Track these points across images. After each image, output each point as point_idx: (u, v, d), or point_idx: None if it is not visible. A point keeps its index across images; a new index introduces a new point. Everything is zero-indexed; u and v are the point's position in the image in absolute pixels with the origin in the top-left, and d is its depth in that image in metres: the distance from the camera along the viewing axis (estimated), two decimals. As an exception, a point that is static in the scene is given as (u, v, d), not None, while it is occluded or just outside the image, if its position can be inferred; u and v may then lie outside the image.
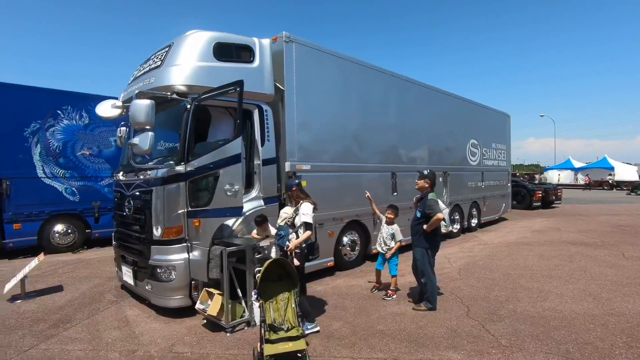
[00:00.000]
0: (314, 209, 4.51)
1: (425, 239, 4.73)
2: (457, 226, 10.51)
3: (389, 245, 5.51)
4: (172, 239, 4.54)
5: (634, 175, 37.27)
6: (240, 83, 4.16)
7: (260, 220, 4.76)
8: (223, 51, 5.08)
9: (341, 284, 6.02)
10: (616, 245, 8.66)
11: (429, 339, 3.88)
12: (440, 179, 9.52)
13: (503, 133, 13.38)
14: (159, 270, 4.57)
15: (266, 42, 5.59)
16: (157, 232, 4.56)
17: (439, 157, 9.50)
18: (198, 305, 4.36)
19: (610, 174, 37.28)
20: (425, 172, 4.88)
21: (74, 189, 9.08)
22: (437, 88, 9.60)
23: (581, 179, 38.95)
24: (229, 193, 4.28)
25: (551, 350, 3.57)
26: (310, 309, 4.38)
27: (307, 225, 4.31)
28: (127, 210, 5.21)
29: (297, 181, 4.76)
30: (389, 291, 5.32)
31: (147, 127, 4.06)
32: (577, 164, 42.69)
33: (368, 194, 5.61)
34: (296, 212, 4.50)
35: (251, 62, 5.38)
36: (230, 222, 4.98)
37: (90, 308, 5.06)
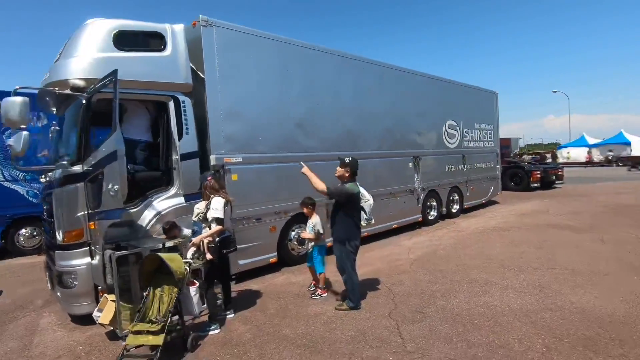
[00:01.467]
0: (226, 203, 4.23)
1: (342, 231, 4.33)
2: (434, 213, 10.02)
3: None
4: (73, 243, 4.29)
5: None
6: (114, 73, 3.82)
7: (168, 228, 4.47)
8: (126, 40, 4.73)
9: (280, 281, 5.70)
10: (601, 228, 8.02)
11: (330, 344, 3.53)
12: (411, 164, 9.03)
13: (489, 112, 12.64)
14: (64, 276, 4.35)
15: (179, 28, 5.20)
16: (59, 236, 4.33)
17: (407, 142, 8.96)
18: (95, 313, 4.13)
19: (610, 150, 35.69)
20: (347, 160, 4.45)
21: (36, 191, 9.01)
22: (404, 68, 9.02)
23: (598, 157, 37.29)
24: (111, 193, 3.99)
25: (457, 355, 3.17)
26: (216, 308, 4.10)
27: (217, 220, 4.05)
28: (44, 213, 5.01)
29: (210, 175, 4.42)
30: (319, 289, 4.97)
31: (22, 126, 3.78)
32: (591, 141, 40.78)
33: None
34: (208, 207, 4.22)
35: (162, 50, 5.01)
36: (145, 221, 4.72)
37: (11, 315, 4.91)
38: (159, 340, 3.21)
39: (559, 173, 17.54)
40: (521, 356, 3.10)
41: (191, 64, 5.36)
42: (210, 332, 3.95)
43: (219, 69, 5.42)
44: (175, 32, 5.12)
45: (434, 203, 10.03)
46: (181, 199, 5.06)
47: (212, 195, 4.22)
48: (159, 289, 3.60)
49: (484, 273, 5.36)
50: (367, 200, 4.55)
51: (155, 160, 5.15)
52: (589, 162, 36.23)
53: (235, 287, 5.47)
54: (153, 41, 4.98)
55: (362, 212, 4.50)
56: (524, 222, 9.28)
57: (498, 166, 13.07)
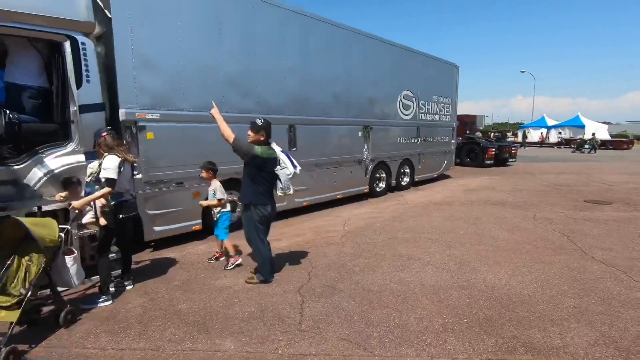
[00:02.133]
0: (122, 163, 3.70)
1: (246, 195, 3.98)
2: (383, 185, 9.90)
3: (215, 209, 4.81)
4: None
5: (605, 134, 37.28)
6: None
7: (68, 182, 3.93)
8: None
9: (200, 250, 5.34)
10: (536, 205, 8.21)
11: (223, 320, 3.26)
12: (360, 134, 8.71)
13: (449, 85, 12.41)
14: None
15: None
16: None
17: (358, 110, 8.58)
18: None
19: (560, 132, 37.73)
20: (259, 122, 3.99)
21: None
22: (358, 29, 8.46)
23: (555, 138, 38.98)
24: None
25: (350, 335, 2.99)
26: (108, 279, 3.69)
27: (107, 181, 3.54)
28: None
29: (105, 131, 3.84)
30: (230, 259, 4.67)
31: None
32: (550, 122, 42.37)
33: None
34: (100, 166, 3.70)
35: (54, -23, 4.19)
36: (32, 181, 4.11)
37: None
38: (12, 316, 2.78)
39: (513, 151, 18.00)
40: (415, 336, 2.96)
41: (101, 1, 4.61)
42: (100, 305, 3.57)
43: (132, 8, 4.69)
44: (71, -44, 4.28)
45: (383, 175, 9.89)
46: (80, 157, 4.43)
47: (106, 154, 3.70)
48: (26, 258, 3.13)
49: (412, 247, 5.26)
50: (284, 167, 4.15)
51: (50, 110, 4.45)
52: (543, 143, 37.91)
53: (150, 256, 5.08)
54: (43, -34, 4.14)
55: (278, 181, 4.11)
56: (468, 197, 9.37)
57: (453, 141, 13.07)
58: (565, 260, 4.72)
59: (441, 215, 7.36)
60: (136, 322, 3.25)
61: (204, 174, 4.66)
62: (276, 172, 4.09)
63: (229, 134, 3.84)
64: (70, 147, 4.40)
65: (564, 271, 4.34)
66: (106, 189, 3.54)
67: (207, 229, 5.96)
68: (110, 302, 3.62)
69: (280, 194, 4.20)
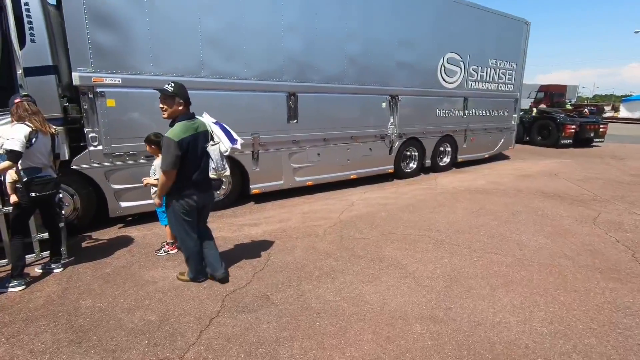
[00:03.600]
0: (34, 134, 3.25)
1: (172, 188, 3.19)
2: (413, 165, 8.59)
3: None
4: None
5: None
6: None
7: None
8: None
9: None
10: (606, 202, 6.35)
11: (107, 331, 2.69)
12: (384, 104, 7.45)
13: (513, 47, 10.18)
14: None
15: None
16: None
17: (382, 75, 7.28)
18: None
19: None
20: (169, 88, 2.98)
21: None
22: (385, -23, 6.99)
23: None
24: None
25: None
26: (19, 262, 3.35)
27: (9, 154, 3.12)
28: None
29: (20, 97, 3.38)
30: (166, 245, 4.10)
31: None
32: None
33: (145, 180, 3.94)
34: None
35: None
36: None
37: None
38: None
39: (601, 129, 14.81)
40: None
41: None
42: (10, 290, 3.26)
43: (80, -47, 4.09)
44: None
45: (415, 153, 8.56)
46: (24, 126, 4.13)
47: (15, 123, 3.26)
48: None
49: (403, 250, 4.20)
50: (217, 143, 3.28)
51: (-1, 73, 4.16)
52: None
53: (112, 233, 4.75)
54: None
55: (210, 161, 3.31)
56: (517, 185, 7.68)
57: (515, 115, 10.93)
58: (616, 293, 3.32)
59: (469, 207, 6.00)
60: (23, 318, 2.85)
61: (148, 149, 4.04)
62: (207, 149, 3.25)
63: (162, 176, 3.01)
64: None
65: (605, 312, 3.00)
66: (6, 163, 3.11)
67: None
68: (22, 287, 3.30)
69: (213, 176, 3.36)
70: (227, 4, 5.21)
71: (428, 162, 8.78)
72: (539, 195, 6.78)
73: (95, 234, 4.72)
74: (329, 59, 6.43)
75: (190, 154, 3.04)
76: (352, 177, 7.32)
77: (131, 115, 4.72)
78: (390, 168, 7.99)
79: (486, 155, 10.41)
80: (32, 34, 4.02)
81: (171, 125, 3.04)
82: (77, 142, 4.59)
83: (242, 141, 3.49)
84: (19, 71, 4.02)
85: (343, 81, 6.69)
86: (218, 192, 5.72)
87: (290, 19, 5.83)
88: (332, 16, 6.32)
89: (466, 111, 9.26)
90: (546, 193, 6.98)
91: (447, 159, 9.39)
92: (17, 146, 3.12)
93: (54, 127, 3.57)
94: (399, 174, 8.28)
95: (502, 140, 10.74)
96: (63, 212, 4.19)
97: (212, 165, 3.26)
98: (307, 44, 6.09)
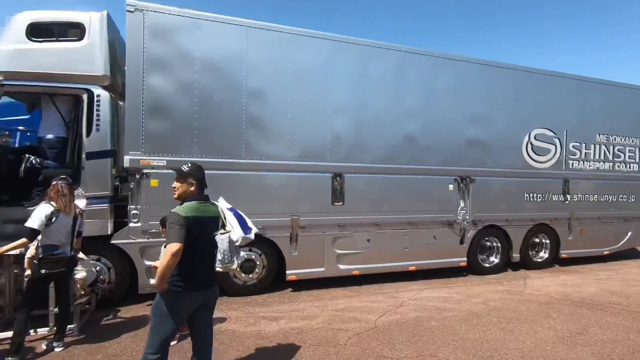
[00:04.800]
0: (55, 213, 3.51)
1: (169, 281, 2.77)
2: (495, 259, 7.08)
3: None
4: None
5: None
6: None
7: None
8: (41, 31, 4.56)
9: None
10: None
11: None
12: (451, 186, 6.53)
13: (635, 119, 8.31)
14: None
15: (99, 15, 4.76)
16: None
17: (448, 155, 6.49)
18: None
19: None
20: (185, 168, 2.77)
21: None
22: (446, 54, 6.57)
23: None
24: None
25: None
26: (19, 338, 3.39)
27: (26, 231, 3.38)
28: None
29: (57, 180, 3.73)
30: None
31: None
32: None
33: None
34: None
35: (79, 40, 4.66)
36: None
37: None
38: None
39: None
40: None
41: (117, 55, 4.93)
42: (7, 365, 3.29)
43: (146, 57, 4.79)
44: (94, 21, 4.71)
45: (497, 244, 7.09)
46: (82, 201, 4.59)
47: (43, 202, 3.58)
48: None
49: (436, 387, 3.09)
50: (228, 232, 2.92)
51: (72, 156, 4.85)
52: None
53: (136, 311, 4.73)
54: (73, 31, 4.69)
55: (217, 252, 2.89)
56: (650, 300, 5.55)
57: (648, 201, 8.51)
58: None
59: (563, 328, 4.41)
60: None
61: (162, 230, 3.99)
62: (215, 238, 2.92)
63: (167, 255, 2.44)
64: (76, 191, 4.62)
65: None
66: (22, 240, 3.34)
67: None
68: (15, 364, 3.30)
69: (219, 268, 2.92)
70: (272, 87, 5.40)
71: (516, 256, 7.15)
72: (684, 322, 4.69)
73: (124, 309, 4.76)
74: (381, 138, 6.03)
75: (195, 239, 2.58)
76: (410, 268, 6.29)
77: (171, 195, 4.92)
78: (462, 261, 6.69)
79: (606, 252, 8.07)
80: (98, 124, 4.67)
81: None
82: (122, 219, 4.92)
83: (257, 230, 3.16)
84: (83, 155, 4.63)
85: (398, 161, 6.14)
86: (250, 275, 5.41)
87: (339, 100, 5.76)
88: (385, 94, 6.06)
89: (568, 196, 7.54)
90: (699, 319, 4.80)
91: (544, 254, 7.54)
92: (35, 224, 3.37)
93: (80, 207, 3.85)
94: (475, 268, 6.86)
95: (630, 232, 8.30)
96: (101, 284, 4.38)
97: (218, 256, 2.87)
98: (355, 123, 5.87)
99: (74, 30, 4.68)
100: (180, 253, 2.43)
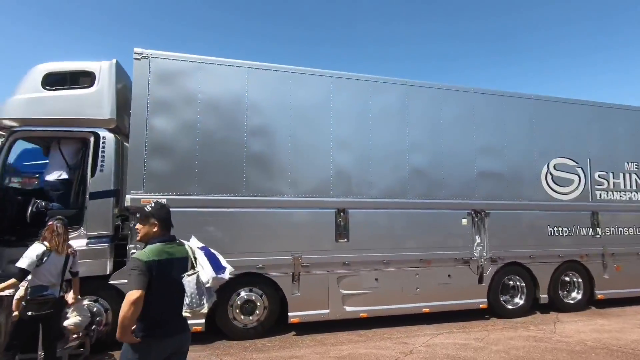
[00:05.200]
0: (46, 253, 3.52)
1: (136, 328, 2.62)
2: (520, 300, 6.47)
3: None
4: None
5: None
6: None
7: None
8: (55, 80, 4.89)
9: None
10: None
11: None
12: (464, 220, 6.18)
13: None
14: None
15: (108, 63, 5.05)
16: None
17: (459, 188, 6.20)
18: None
19: None
20: (147, 208, 2.63)
21: None
22: (451, 86, 6.48)
23: None
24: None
25: None
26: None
27: (16, 271, 3.40)
28: None
29: (53, 220, 3.79)
30: None
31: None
32: None
33: None
34: None
35: (89, 87, 4.94)
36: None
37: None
38: None
39: None
40: None
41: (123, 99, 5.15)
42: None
43: (151, 100, 5.00)
44: (104, 69, 5.00)
45: (521, 284, 6.51)
46: (83, 241, 4.65)
47: (36, 242, 3.62)
48: None
49: None
50: (195, 273, 2.78)
51: (76, 197, 4.98)
52: None
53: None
54: (84, 79, 4.99)
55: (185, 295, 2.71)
56: None
57: (692, 234, 7.69)
58: None
59: (596, 383, 3.84)
60: None
61: None
62: (182, 280, 2.77)
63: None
64: (77, 231, 4.70)
65: None
66: (12, 280, 3.35)
67: (212, 331, 5.06)
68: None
69: (187, 313, 2.78)
70: (273, 124, 5.44)
71: (543, 296, 6.52)
72: None
73: (117, 354, 4.61)
74: (387, 172, 5.87)
75: (158, 283, 2.43)
76: (424, 310, 5.84)
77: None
78: (482, 302, 6.15)
79: (648, 292, 7.24)
80: (102, 165, 4.82)
81: None
82: (122, 258, 4.91)
83: (232, 269, 2.96)
84: (87, 195, 4.74)
85: (406, 195, 5.91)
86: (251, 317, 5.17)
87: (341, 134, 5.71)
88: (389, 128, 5.97)
89: (599, 229, 6.94)
90: None
91: (577, 294, 6.84)
92: (24, 264, 3.38)
93: (73, 247, 3.86)
94: (497, 310, 6.29)
95: (676, 270, 7.45)
96: (97, 326, 4.31)
97: (185, 299, 2.71)
98: (359, 158, 5.77)
99: (85, 79, 4.99)
100: (141, 301, 2.28)
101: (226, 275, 2.72)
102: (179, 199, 4.96)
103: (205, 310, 2.60)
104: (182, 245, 2.64)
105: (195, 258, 2.63)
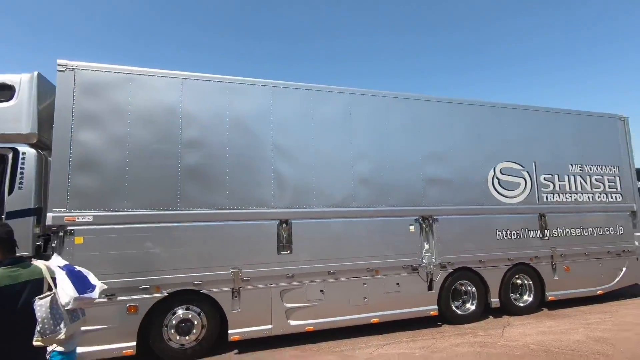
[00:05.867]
0: None
1: None
2: (471, 306, 6.45)
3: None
4: None
5: None
6: None
7: None
8: (-30, 94, 4.63)
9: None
10: None
11: None
12: (412, 227, 6.15)
13: (610, 148, 8.01)
14: None
15: (29, 76, 4.83)
16: None
17: (405, 194, 6.19)
18: None
19: None
20: None
21: None
22: (396, 93, 6.55)
23: None
24: None
25: None
26: None
27: None
28: None
29: None
30: None
31: None
32: None
33: None
34: None
35: (8, 100, 4.70)
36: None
37: None
38: None
39: None
40: None
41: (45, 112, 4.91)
42: None
43: (76, 113, 4.78)
44: (24, 81, 4.78)
45: (472, 289, 6.51)
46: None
47: None
48: None
49: None
50: (49, 295, 2.39)
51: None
52: None
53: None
54: (3, 92, 4.75)
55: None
56: (641, 347, 4.87)
57: (638, 234, 7.92)
58: None
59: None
60: None
61: None
62: (34, 305, 2.30)
63: None
64: (-7, 253, 4.39)
65: None
66: None
67: (146, 354, 4.79)
68: None
69: (38, 342, 2.27)
70: (209, 136, 5.30)
71: (495, 300, 6.53)
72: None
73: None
74: (331, 181, 5.80)
75: (1, 312, 2.17)
76: (373, 321, 5.73)
77: (98, 252, 4.66)
78: (432, 310, 6.10)
79: (599, 292, 7.36)
80: (21, 183, 4.55)
81: None
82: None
83: (104, 286, 2.79)
84: (3, 215, 4.45)
85: (352, 204, 5.84)
86: (187, 337, 4.92)
87: (282, 143, 5.63)
88: (335, 137, 5.93)
89: (547, 231, 7.05)
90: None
91: (528, 297, 6.89)
92: None
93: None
94: (448, 317, 6.24)
95: (624, 269, 7.64)
96: None
97: (37, 327, 2.30)
98: (302, 167, 5.68)
99: (4, 92, 4.74)
100: None
101: (95, 294, 2.54)
102: (107, 215, 4.73)
103: (62, 336, 2.36)
104: (33, 266, 2.43)
105: (53, 279, 2.43)
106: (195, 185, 5.15)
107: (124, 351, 4.63)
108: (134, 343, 4.67)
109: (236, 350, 5.18)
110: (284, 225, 5.45)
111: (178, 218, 5.01)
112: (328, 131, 5.93)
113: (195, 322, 4.98)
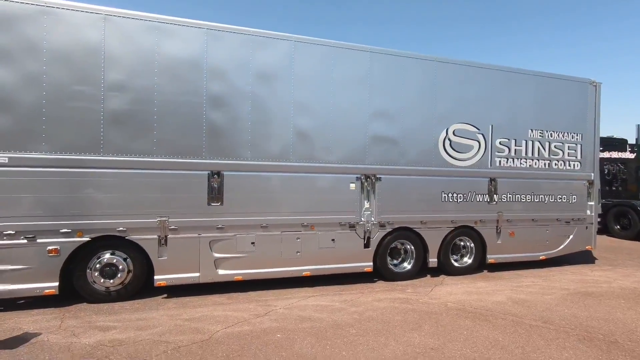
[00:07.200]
0: None
1: None
2: (407, 265, 6.57)
3: None
4: None
5: None
6: None
7: None
8: None
9: (31, 324, 4.30)
10: None
11: None
12: (353, 185, 6.08)
13: (575, 114, 7.72)
14: None
15: None
16: None
17: (349, 151, 6.05)
18: None
19: None
20: None
21: None
22: (342, 43, 6.14)
23: None
24: None
25: None
26: None
27: None
28: None
29: None
30: None
31: None
32: None
33: None
34: None
35: None
36: None
37: None
38: None
39: None
40: None
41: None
42: None
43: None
44: None
45: (411, 247, 6.58)
46: None
47: None
48: None
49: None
50: None
51: None
52: None
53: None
54: None
55: None
56: (556, 311, 5.01)
57: (591, 203, 7.91)
58: None
59: (418, 343, 3.93)
60: None
61: None
62: None
63: None
64: None
65: None
66: None
67: (67, 294, 4.91)
68: None
69: None
70: (135, 79, 5.03)
71: (433, 260, 6.64)
72: (577, 337, 4.16)
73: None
74: (268, 133, 5.62)
75: None
76: (304, 274, 5.84)
77: (12, 193, 4.59)
78: (367, 266, 6.21)
79: (542, 257, 7.49)
80: None
81: None
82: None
83: None
84: None
85: (289, 158, 5.72)
86: (112, 280, 5.03)
87: (216, 91, 5.37)
88: (274, 87, 5.66)
89: (495, 196, 7.01)
90: (593, 334, 4.26)
91: (468, 259, 7.01)
92: None
93: None
94: (384, 274, 6.38)
95: (572, 236, 7.72)
96: None
97: None
98: (236, 117, 5.47)
99: None
100: None
101: None
102: (23, 157, 4.61)
103: None
104: None
105: None
106: (120, 131, 4.97)
107: (45, 291, 4.73)
108: (56, 284, 4.77)
109: (165, 295, 5.33)
110: (216, 176, 5.36)
111: (101, 164, 4.89)
112: (267, 80, 5.64)
113: (121, 267, 5.06)
